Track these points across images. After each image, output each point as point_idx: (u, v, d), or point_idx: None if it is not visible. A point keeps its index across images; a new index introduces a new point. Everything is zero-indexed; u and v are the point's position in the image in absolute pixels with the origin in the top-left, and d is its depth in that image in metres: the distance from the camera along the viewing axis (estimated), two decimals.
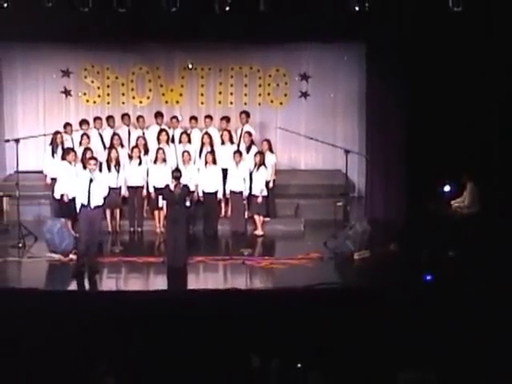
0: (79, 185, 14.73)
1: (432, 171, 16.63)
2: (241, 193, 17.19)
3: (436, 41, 16.45)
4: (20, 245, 16.13)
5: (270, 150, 17.85)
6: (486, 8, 15.12)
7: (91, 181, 14.51)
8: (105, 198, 15.06)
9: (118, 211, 17.43)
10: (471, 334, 11.83)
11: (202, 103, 19.78)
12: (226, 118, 18.45)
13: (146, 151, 17.69)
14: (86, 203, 14.47)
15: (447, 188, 16.21)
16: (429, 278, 14.11)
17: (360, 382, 9.76)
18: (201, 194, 17.34)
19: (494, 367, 10.36)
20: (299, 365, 10.14)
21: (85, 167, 16.29)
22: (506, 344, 11.37)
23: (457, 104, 16.65)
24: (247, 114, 18.49)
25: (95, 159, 15.13)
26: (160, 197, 16.71)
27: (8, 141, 17.53)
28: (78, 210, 14.67)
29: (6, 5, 14.89)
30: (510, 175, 15.86)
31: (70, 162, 16.82)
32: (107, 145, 17.86)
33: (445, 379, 9.94)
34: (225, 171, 17.49)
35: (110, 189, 16.56)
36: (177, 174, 15.36)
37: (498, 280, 13.47)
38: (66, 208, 16.57)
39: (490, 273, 13.80)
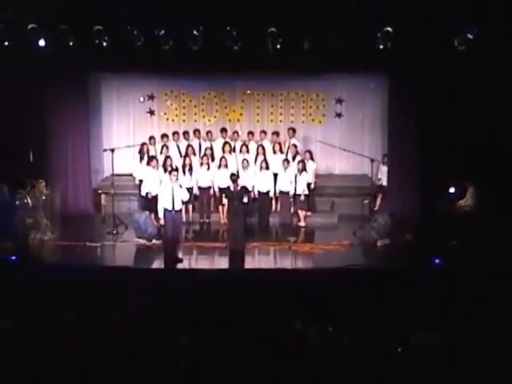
0: (164, 192, 14.80)
1: (440, 176, 16.50)
2: (288, 192, 17.21)
3: (444, 71, 16.33)
4: (114, 232, 16.32)
5: (312, 158, 17.86)
6: (484, 47, 15.01)
7: (174, 189, 14.63)
8: (184, 202, 15.20)
9: (190, 206, 17.52)
10: (471, 303, 11.85)
11: (258, 121, 19.72)
12: (277, 133, 18.45)
13: (213, 159, 17.78)
14: (170, 208, 14.61)
15: (452, 190, 16.10)
16: (437, 261, 14.04)
17: (380, 342, 9.76)
18: (256, 193, 17.37)
19: (492, 330, 10.34)
20: (330, 328, 10.17)
21: (165, 171, 16.48)
22: (500, 310, 11.42)
23: (461, 123, 16.50)
24: (293, 130, 18.49)
25: (177, 171, 15.15)
26: (223, 195, 16.90)
27: (106, 150, 17.79)
28: (162, 214, 14.72)
29: (105, 44, 15.09)
30: (502, 181, 15.71)
31: (153, 167, 16.99)
32: (183, 154, 17.98)
33: (446, 340, 9.93)
34: (275, 175, 17.51)
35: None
36: (234, 177, 15.46)
37: (492, 263, 13.42)
38: (149, 203, 16.73)
39: (486, 258, 13.72)
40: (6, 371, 8.43)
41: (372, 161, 17.07)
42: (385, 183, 18.18)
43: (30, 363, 8.69)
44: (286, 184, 17.22)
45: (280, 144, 18.11)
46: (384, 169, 18.11)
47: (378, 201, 18.25)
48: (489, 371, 8.63)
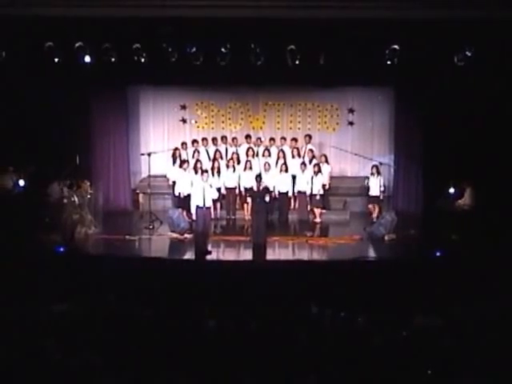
0: (195, 191, 14.96)
1: (441, 178, 16.46)
2: (305, 192, 17.20)
3: (444, 85, 16.30)
4: (150, 227, 16.44)
5: (326, 162, 17.85)
6: (480, 63, 14.98)
7: (205, 188, 14.77)
8: (214, 201, 15.37)
9: (218, 204, 17.56)
10: (469, 291, 11.86)
11: (278, 128, 19.63)
12: (295, 139, 18.42)
13: (239, 162, 17.82)
14: (201, 205, 14.71)
15: (452, 190, 16.05)
16: (438, 253, 14.04)
17: (387, 324, 9.81)
18: (276, 193, 17.36)
19: (487, 317, 10.36)
20: (342, 313, 10.23)
21: (196, 173, 16.58)
22: (495, 297, 11.44)
23: (460, 130, 16.44)
24: (310, 137, 18.49)
25: (207, 172, 15.40)
26: (247, 194, 16.97)
27: (143, 154, 17.94)
28: (194, 211, 14.91)
29: (143, 60, 15.21)
30: (498, 183, 15.65)
31: (184, 170, 17.11)
32: (211, 157, 18.05)
33: (447, 323, 9.97)
34: (294, 177, 17.52)
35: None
36: (258, 178, 15.52)
37: (488, 256, 13.41)
38: (181, 201, 16.86)
39: (482, 251, 13.72)
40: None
41: (380, 164, 17.28)
42: (374, 193, 17.19)
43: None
44: (303, 185, 17.22)
45: (298, 149, 18.11)
46: (373, 179, 17.19)
47: (375, 211, 17.23)
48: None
